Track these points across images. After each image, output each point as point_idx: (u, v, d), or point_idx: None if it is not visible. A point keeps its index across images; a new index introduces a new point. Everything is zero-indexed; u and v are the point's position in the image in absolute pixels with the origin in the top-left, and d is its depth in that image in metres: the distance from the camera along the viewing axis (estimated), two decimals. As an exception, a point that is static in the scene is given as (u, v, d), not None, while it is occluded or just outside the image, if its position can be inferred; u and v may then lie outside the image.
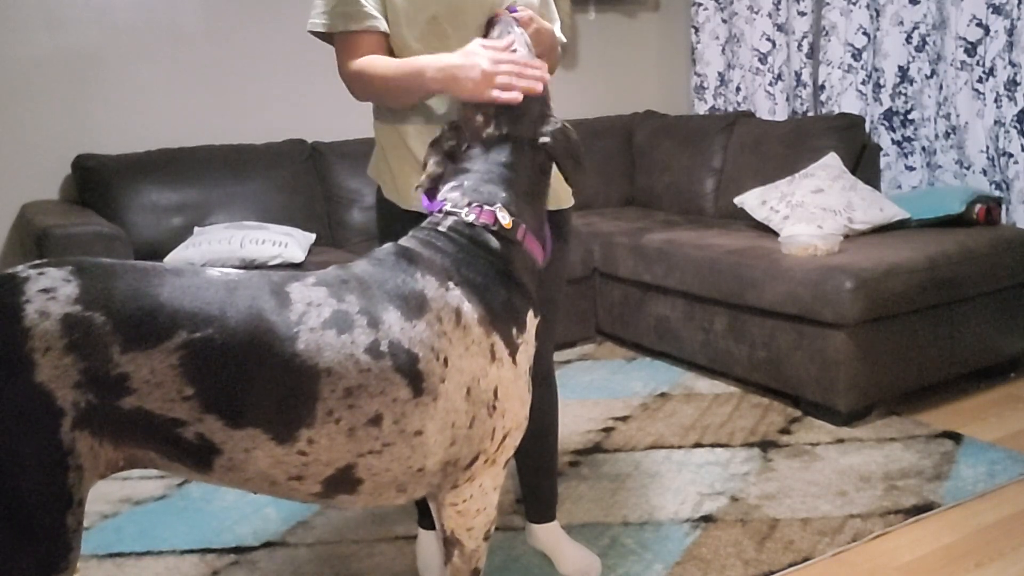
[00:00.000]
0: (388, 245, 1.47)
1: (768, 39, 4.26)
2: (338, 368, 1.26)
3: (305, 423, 1.25)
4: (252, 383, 1.21)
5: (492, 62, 1.54)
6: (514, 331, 1.45)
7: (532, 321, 1.51)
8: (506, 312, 1.44)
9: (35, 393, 1.12)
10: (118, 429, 1.19)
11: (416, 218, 1.81)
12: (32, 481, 1.12)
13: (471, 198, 1.49)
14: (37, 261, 1.21)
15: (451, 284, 1.39)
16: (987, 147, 3.46)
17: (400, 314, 1.33)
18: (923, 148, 3.75)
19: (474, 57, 1.56)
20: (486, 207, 1.47)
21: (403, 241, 1.47)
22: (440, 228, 1.47)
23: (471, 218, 1.46)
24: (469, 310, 1.39)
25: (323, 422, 1.26)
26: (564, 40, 2.01)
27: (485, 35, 1.76)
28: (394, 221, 1.87)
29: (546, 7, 1.96)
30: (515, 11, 1.79)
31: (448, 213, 1.49)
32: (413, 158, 1.82)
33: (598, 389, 3.37)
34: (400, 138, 1.84)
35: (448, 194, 1.52)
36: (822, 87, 4.06)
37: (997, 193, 3.44)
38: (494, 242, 1.46)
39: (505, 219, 1.47)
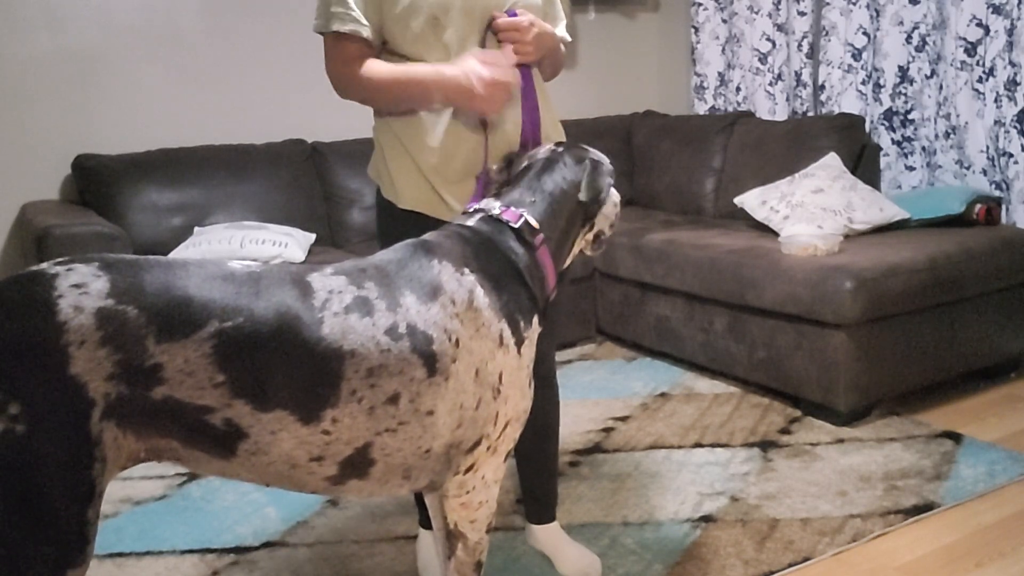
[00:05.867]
0: (407, 241, 1.53)
1: (768, 39, 4.26)
2: (361, 350, 1.32)
3: (330, 403, 1.30)
4: (281, 367, 1.26)
5: (485, 86, 1.69)
6: (521, 324, 1.52)
7: (536, 326, 1.58)
8: (516, 304, 1.51)
9: (69, 385, 1.14)
10: (144, 419, 1.21)
11: (415, 218, 1.83)
12: (58, 473, 1.14)
13: (504, 203, 1.62)
14: (61, 259, 1.23)
15: (466, 270, 1.47)
16: (987, 147, 3.46)
17: (416, 297, 1.40)
18: (923, 148, 3.75)
19: (471, 79, 1.70)
20: (513, 208, 1.60)
21: (424, 236, 1.55)
22: (465, 223, 1.57)
23: (496, 212, 1.57)
24: (481, 295, 1.46)
25: (347, 401, 1.31)
26: (569, 39, 2.02)
27: (483, 38, 1.78)
28: (393, 221, 1.88)
29: (551, 6, 1.96)
30: (514, 14, 1.79)
31: (476, 210, 1.60)
32: (410, 159, 1.84)
33: (598, 389, 3.37)
34: (397, 139, 1.85)
35: (485, 201, 1.64)
36: (822, 87, 4.06)
37: (997, 193, 3.44)
38: (513, 240, 1.55)
39: (531, 220, 1.58)
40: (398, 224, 1.84)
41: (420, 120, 1.82)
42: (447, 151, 1.80)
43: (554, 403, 2.09)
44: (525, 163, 1.71)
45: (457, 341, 1.40)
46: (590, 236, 1.75)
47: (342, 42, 1.78)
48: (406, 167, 1.85)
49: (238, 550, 2.29)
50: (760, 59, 4.30)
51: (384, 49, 1.82)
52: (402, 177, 1.86)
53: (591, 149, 1.75)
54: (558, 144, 1.74)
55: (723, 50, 4.56)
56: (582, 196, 1.67)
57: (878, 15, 3.76)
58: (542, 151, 1.73)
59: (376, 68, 1.77)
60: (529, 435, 1.78)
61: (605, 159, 1.76)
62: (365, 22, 1.77)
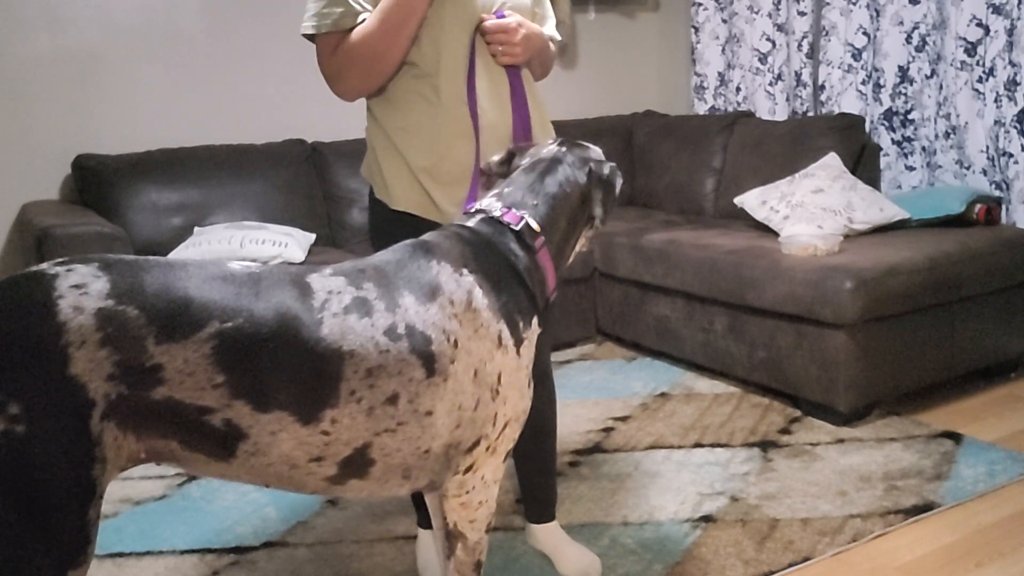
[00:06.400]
0: (406, 241, 1.53)
1: (768, 39, 4.26)
2: (360, 350, 1.32)
3: (330, 404, 1.30)
4: (280, 368, 1.26)
5: None
6: (520, 324, 1.52)
7: (535, 327, 1.58)
8: (515, 305, 1.51)
9: (69, 386, 1.14)
10: (144, 420, 1.22)
11: (406, 218, 1.84)
12: (60, 473, 1.14)
13: (506, 204, 1.60)
14: (61, 259, 1.23)
15: (465, 271, 1.46)
16: (987, 147, 3.46)
17: (415, 298, 1.40)
18: (923, 148, 3.75)
19: None
20: (515, 210, 1.58)
21: (424, 236, 1.55)
22: (465, 224, 1.57)
23: (497, 213, 1.56)
24: (480, 295, 1.46)
25: (346, 402, 1.31)
26: (559, 39, 2.02)
27: (473, 40, 1.79)
28: (385, 221, 1.89)
29: (540, 5, 1.96)
30: (502, 16, 1.80)
31: (478, 211, 1.59)
32: (402, 160, 1.84)
33: (598, 389, 3.37)
34: (389, 140, 1.85)
35: (486, 201, 1.62)
36: (822, 87, 4.06)
37: (997, 193, 3.44)
38: (513, 243, 1.55)
39: (532, 223, 1.57)
40: (390, 225, 1.85)
41: (412, 121, 1.81)
42: (438, 153, 1.81)
43: (550, 401, 2.10)
44: (527, 160, 1.70)
45: (456, 342, 1.41)
46: (591, 233, 1.75)
47: (336, 37, 1.76)
48: (398, 168, 1.85)
49: (238, 550, 2.29)
50: (760, 59, 4.30)
51: None
52: (394, 178, 1.86)
53: (592, 147, 1.74)
54: (561, 143, 1.73)
55: (723, 50, 4.56)
56: (598, 219, 1.66)
57: (878, 15, 3.76)
58: (545, 149, 1.71)
59: (357, 28, 1.75)
60: (526, 434, 1.78)
61: (600, 152, 1.74)
62: (366, 7, 1.75)
